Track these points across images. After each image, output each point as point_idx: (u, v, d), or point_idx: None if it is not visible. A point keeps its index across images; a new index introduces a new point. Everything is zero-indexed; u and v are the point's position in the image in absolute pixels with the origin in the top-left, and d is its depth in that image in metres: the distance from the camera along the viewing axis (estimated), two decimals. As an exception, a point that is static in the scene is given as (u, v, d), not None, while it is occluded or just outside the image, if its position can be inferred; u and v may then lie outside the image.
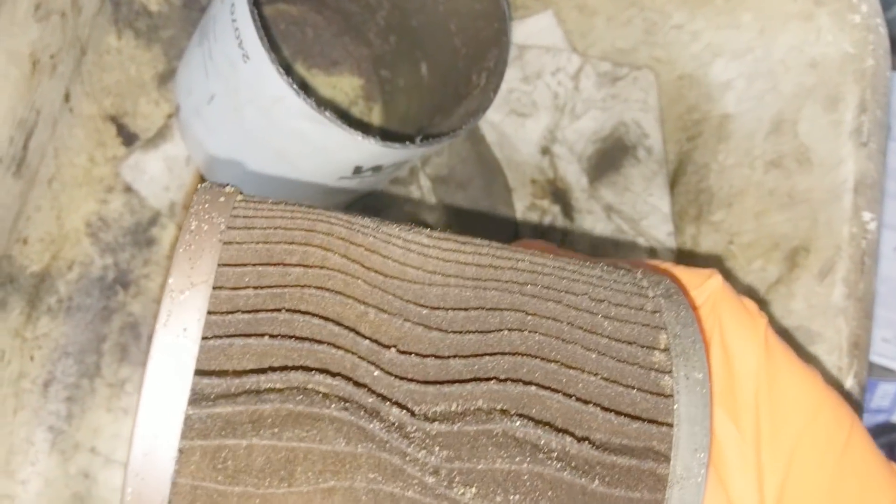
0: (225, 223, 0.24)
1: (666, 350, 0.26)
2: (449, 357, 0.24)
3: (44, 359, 0.49)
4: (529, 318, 0.25)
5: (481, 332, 0.25)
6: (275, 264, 0.24)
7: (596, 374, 0.25)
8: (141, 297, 0.51)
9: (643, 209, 0.53)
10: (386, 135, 0.41)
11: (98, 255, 0.51)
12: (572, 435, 0.24)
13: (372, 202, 0.54)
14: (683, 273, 0.33)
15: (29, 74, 0.41)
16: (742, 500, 0.30)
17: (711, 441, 0.25)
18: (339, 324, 0.24)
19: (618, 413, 0.24)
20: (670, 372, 0.25)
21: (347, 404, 0.22)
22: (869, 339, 0.45)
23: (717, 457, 0.31)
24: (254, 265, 0.24)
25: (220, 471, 0.22)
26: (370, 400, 0.23)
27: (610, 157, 0.56)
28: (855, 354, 0.44)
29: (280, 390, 0.22)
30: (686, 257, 0.53)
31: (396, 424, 0.23)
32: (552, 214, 0.56)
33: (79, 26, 0.48)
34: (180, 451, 0.22)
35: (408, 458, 0.23)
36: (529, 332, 0.25)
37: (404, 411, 0.23)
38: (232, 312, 0.23)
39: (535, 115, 0.59)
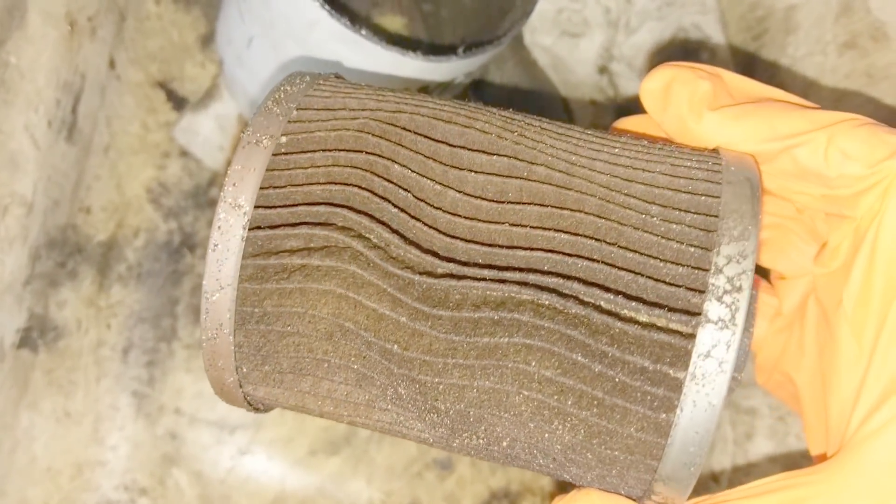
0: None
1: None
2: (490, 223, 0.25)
3: (120, 326, 0.49)
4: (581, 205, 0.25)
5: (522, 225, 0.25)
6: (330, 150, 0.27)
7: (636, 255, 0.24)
8: (207, 257, 0.51)
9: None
10: (429, 50, 0.39)
11: (162, 220, 0.51)
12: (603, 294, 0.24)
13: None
14: (859, 142, 0.26)
15: (68, 36, 0.41)
16: (837, 416, 0.27)
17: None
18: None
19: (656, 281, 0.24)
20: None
21: (369, 242, 0.25)
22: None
23: (829, 366, 0.28)
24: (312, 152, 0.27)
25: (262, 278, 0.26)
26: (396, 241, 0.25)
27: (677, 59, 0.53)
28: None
29: (317, 224, 0.25)
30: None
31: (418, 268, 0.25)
32: (615, 132, 0.54)
33: (114, -11, 0.48)
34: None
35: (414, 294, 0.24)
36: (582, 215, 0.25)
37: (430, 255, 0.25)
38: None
39: (589, 33, 0.56)
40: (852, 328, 0.27)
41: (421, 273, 0.24)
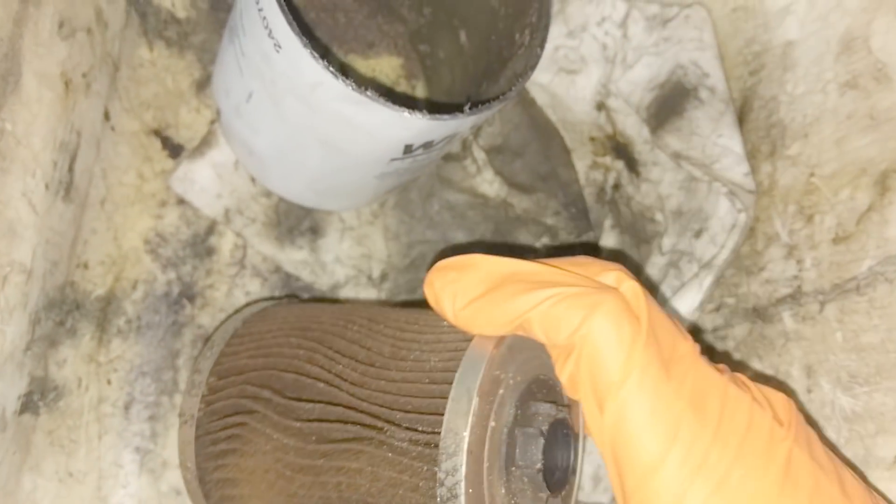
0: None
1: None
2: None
3: (121, 381, 0.48)
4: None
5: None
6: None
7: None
8: (208, 307, 0.51)
9: (714, 152, 0.50)
10: (433, 107, 0.39)
11: (160, 271, 0.50)
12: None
13: (427, 183, 0.53)
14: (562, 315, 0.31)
15: (63, 95, 0.41)
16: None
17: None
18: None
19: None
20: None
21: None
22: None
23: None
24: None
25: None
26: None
27: (670, 102, 0.53)
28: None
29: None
30: (764, 196, 0.50)
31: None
32: (616, 171, 0.54)
33: (107, 41, 0.47)
34: None
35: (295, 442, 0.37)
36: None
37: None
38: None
39: (585, 70, 0.56)
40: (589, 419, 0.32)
41: (291, 398, 0.38)
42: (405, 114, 0.37)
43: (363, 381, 0.35)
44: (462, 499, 0.30)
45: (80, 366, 0.47)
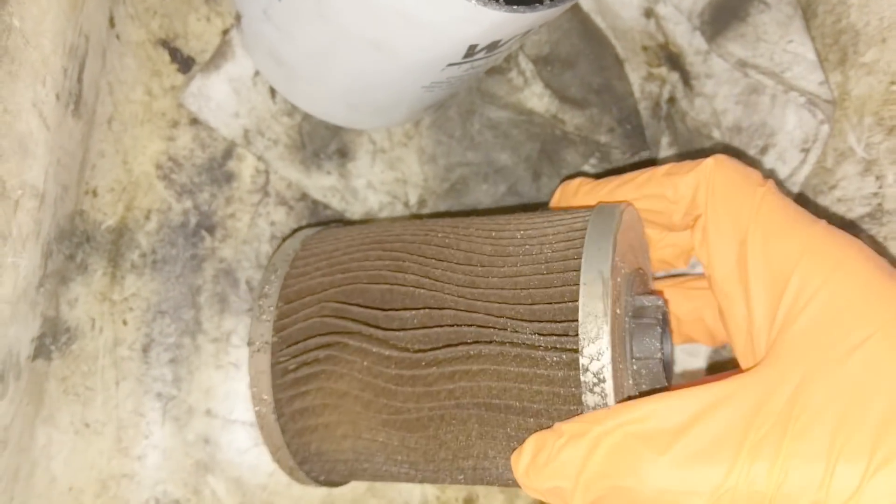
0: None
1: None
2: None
3: (137, 321, 0.44)
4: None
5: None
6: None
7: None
8: (230, 239, 0.46)
9: (784, 59, 0.46)
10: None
11: (175, 200, 0.45)
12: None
13: (466, 99, 0.48)
14: (682, 165, 0.36)
15: (72, -9, 0.35)
16: (741, 344, 0.33)
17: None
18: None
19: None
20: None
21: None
22: None
23: (722, 312, 0.34)
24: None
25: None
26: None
27: (730, 7, 0.48)
28: None
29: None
30: (837, 108, 0.46)
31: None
32: (671, 83, 0.49)
33: (113, -67, 0.41)
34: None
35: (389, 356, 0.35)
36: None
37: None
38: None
39: (631, -27, 0.51)
40: (723, 274, 0.34)
41: (388, 310, 0.35)
42: (480, 5, 0.32)
43: (471, 282, 0.34)
44: (611, 381, 0.30)
45: (93, 305, 0.42)
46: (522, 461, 0.31)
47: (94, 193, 0.43)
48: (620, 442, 0.29)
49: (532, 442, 0.31)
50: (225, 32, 0.47)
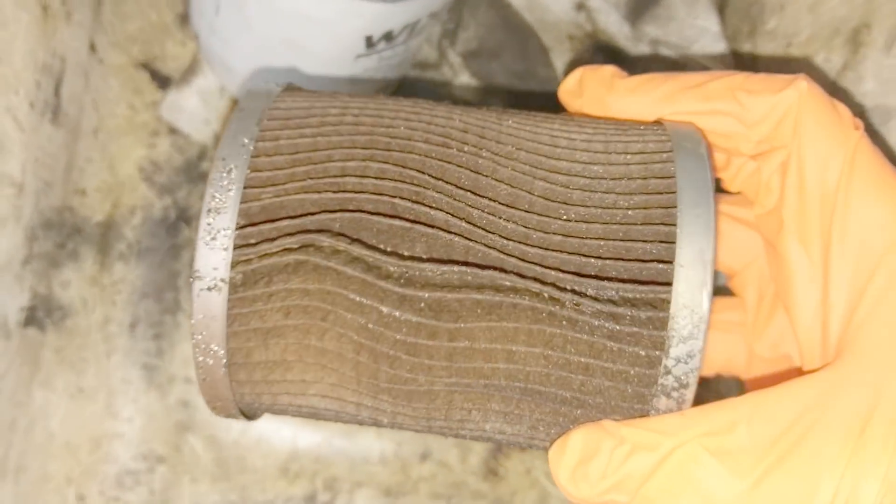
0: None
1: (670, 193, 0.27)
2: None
3: (125, 302, 0.50)
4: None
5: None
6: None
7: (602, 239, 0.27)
8: (204, 229, 0.52)
9: (690, 34, 0.50)
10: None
11: (157, 197, 0.52)
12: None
13: (403, 92, 0.53)
14: (760, 81, 0.30)
15: (41, 18, 0.43)
16: (808, 330, 0.29)
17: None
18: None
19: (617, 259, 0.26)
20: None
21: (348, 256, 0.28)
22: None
23: (785, 284, 0.29)
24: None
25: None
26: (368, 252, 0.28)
27: (647, -7, 0.53)
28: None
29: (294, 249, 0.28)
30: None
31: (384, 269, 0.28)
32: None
33: (85, -27, 0.49)
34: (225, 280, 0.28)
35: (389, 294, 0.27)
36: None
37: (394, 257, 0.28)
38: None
39: (562, -28, 0.56)
40: (799, 238, 0.29)
41: (406, 258, 0.27)
42: (358, 0, 0.38)
43: (524, 235, 0.27)
44: (694, 388, 0.25)
45: (85, 288, 0.49)
46: (566, 462, 0.27)
47: (83, 193, 0.50)
48: (695, 457, 0.25)
49: (579, 440, 0.26)
50: (196, 52, 0.54)
